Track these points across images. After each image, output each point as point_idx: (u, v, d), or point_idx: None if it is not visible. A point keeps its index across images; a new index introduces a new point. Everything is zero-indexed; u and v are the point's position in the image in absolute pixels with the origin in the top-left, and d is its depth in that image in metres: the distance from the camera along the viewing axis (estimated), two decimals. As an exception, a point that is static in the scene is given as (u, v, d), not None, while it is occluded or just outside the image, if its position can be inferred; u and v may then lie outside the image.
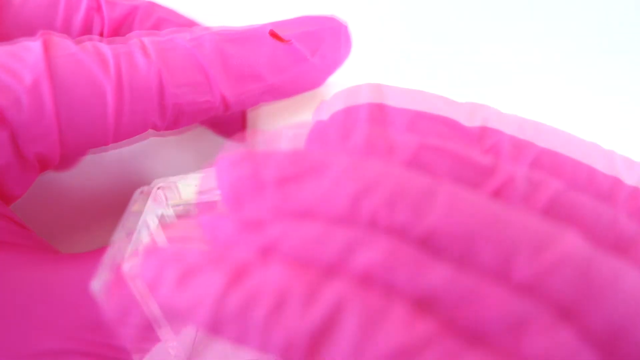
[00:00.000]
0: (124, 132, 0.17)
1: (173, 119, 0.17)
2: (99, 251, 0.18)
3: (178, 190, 0.17)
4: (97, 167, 0.24)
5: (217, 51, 0.17)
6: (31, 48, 0.15)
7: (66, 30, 0.18)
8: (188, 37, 0.17)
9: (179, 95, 0.17)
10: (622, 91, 0.25)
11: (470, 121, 0.12)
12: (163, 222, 0.16)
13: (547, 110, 0.25)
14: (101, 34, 0.19)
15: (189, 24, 0.20)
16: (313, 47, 0.18)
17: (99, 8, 0.18)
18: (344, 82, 0.23)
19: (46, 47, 0.15)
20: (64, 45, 0.16)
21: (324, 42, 0.18)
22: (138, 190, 0.16)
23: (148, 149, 0.24)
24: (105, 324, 0.16)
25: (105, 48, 0.16)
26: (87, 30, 0.18)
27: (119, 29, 0.19)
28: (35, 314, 0.16)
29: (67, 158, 0.22)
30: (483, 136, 0.12)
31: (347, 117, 0.12)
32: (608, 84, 0.25)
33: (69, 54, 0.15)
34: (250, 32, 0.18)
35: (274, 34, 0.18)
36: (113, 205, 0.24)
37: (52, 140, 0.16)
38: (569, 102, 0.25)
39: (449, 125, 0.12)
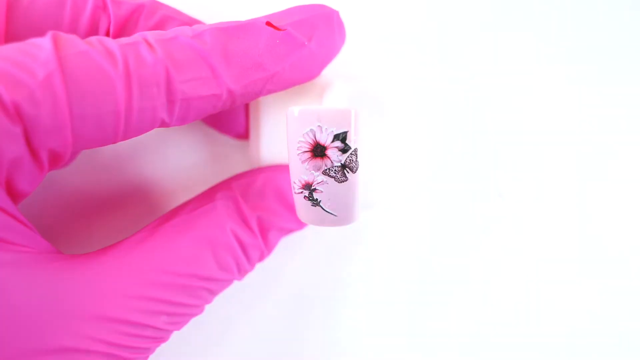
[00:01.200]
0: (133, 128, 0.17)
1: (181, 114, 0.18)
2: (101, 252, 0.18)
3: None
4: (95, 164, 0.24)
5: (219, 45, 0.17)
6: (41, 45, 0.15)
7: (73, 29, 0.18)
8: (190, 33, 0.17)
9: (186, 91, 0.17)
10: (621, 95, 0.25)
11: None
12: None
13: (544, 110, 0.25)
14: (107, 32, 0.19)
15: (193, 22, 0.20)
16: (308, 33, 0.19)
17: (105, 7, 0.19)
18: (343, 71, 0.23)
19: (56, 44, 0.16)
20: (73, 42, 0.16)
21: (317, 28, 0.19)
22: None
23: (147, 146, 0.24)
24: (110, 322, 0.17)
25: (113, 44, 0.16)
26: (93, 28, 0.19)
27: (124, 27, 0.19)
28: (40, 314, 0.16)
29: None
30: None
31: None
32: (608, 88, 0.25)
33: (79, 51, 0.16)
34: (248, 24, 0.18)
35: (270, 24, 0.18)
36: (111, 203, 0.24)
37: (64, 136, 0.16)
38: (567, 104, 0.25)
39: None
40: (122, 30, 0.19)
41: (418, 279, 0.25)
